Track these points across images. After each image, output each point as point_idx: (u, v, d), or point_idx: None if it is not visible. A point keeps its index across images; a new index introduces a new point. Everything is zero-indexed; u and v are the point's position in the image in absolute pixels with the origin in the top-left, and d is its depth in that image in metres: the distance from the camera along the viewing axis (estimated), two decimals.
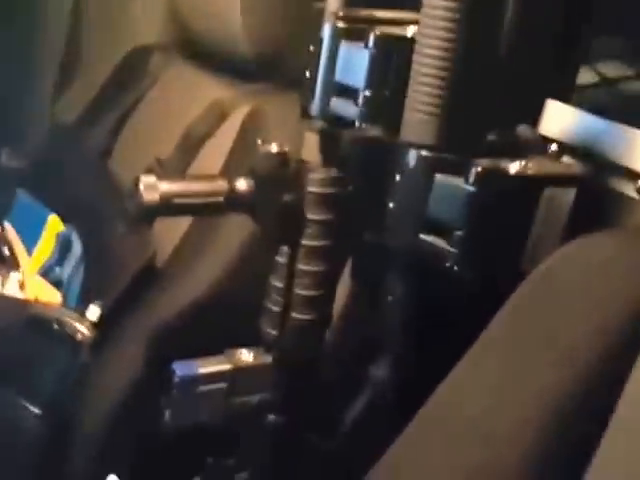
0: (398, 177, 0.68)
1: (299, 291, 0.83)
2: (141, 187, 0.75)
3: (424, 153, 0.65)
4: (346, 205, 0.81)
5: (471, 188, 0.62)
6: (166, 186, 0.75)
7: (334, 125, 0.79)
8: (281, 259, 0.83)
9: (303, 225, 0.81)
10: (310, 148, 0.81)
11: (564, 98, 0.79)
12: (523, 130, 0.79)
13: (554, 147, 0.74)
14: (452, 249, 0.63)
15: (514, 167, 0.64)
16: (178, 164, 1.14)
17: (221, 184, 0.77)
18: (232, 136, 1.08)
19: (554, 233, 0.65)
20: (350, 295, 0.83)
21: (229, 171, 1.04)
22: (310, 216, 0.81)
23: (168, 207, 0.76)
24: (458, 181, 0.63)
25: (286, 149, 0.79)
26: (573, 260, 0.55)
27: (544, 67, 0.81)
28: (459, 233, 0.63)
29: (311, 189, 0.80)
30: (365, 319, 0.76)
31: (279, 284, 0.83)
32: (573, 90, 0.80)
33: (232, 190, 0.77)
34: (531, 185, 0.63)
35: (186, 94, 1.22)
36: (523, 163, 0.64)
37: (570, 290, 0.52)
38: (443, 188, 0.64)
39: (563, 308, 0.50)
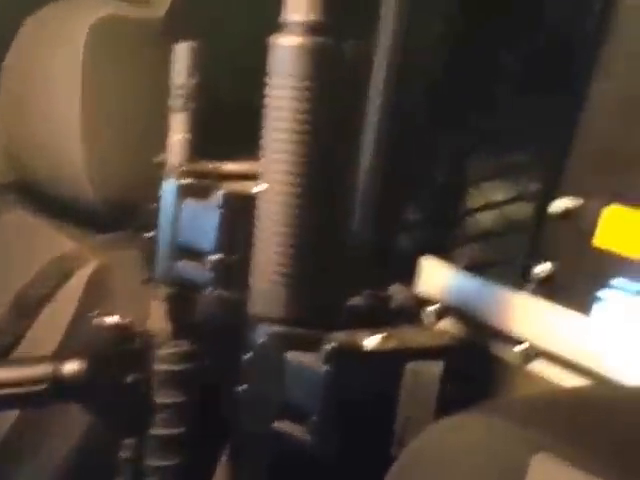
0: (248, 355, 0.74)
1: None
2: None
3: (273, 328, 0.72)
4: (203, 384, 0.87)
5: (324, 367, 0.69)
6: None
7: (182, 291, 0.87)
8: (126, 454, 0.87)
9: (152, 411, 0.86)
10: (156, 319, 0.87)
11: (441, 251, 0.89)
12: (396, 290, 0.88)
13: (430, 309, 0.83)
14: (309, 437, 0.69)
15: (370, 342, 0.71)
16: (9, 332, 1.18)
17: (43, 369, 0.81)
18: (75, 300, 1.14)
19: (424, 409, 0.72)
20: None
21: (70, 344, 1.09)
22: (160, 399, 0.86)
23: None
24: (313, 359, 0.70)
25: (128, 320, 0.85)
26: (437, 445, 0.60)
27: (412, 222, 0.92)
28: (314, 418, 0.69)
29: (159, 367, 0.86)
30: None
31: None
32: (450, 242, 0.91)
33: (57, 375, 0.81)
34: (391, 360, 0.71)
35: (25, 245, 1.28)
36: (383, 336, 0.72)
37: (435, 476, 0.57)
38: (296, 367, 0.71)
39: None
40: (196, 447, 0.88)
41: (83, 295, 1.14)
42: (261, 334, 0.72)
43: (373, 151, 0.84)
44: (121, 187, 1.19)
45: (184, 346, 0.86)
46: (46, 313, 1.19)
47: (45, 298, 1.18)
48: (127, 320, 0.84)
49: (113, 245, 1.19)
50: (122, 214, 1.20)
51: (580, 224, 0.79)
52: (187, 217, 0.82)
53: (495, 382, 0.78)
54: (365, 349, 0.70)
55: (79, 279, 1.17)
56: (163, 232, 0.84)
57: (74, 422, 0.98)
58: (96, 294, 1.13)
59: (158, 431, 0.86)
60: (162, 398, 0.86)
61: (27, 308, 1.21)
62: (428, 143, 0.93)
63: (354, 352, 0.70)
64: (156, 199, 0.86)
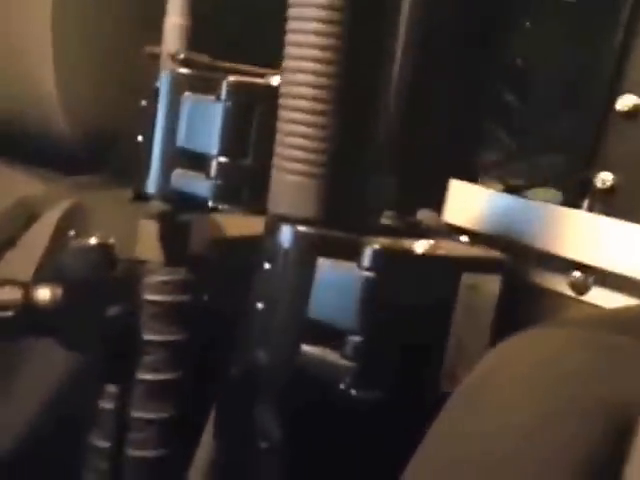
0: (268, 266, 0.61)
1: (135, 452, 0.72)
2: None
3: (302, 230, 0.59)
4: (200, 319, 0.73)
5: (368, 274, 0.56)
6: None
7: (178, 207, 0.73)
8: (107, 404, 0.72)
9: (138, 351, 0.72)
10: (146, 242, 0.73)
11: (469, 177, 0.77)
12: (424, 215, 0.76)
13: (464, 239, 0.70)
14: (346, 362, 0.56)
15: (421, 246, 0.58)
16: None
17: (10, 293, 0.67)
18: (42, 243, 0.99)
19: (479, 331, 0.59)
20: (213, 449, 0.73)
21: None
22: (148, 336, 0.72)
23: None
24: (349, 267, 0.57)
25: (111, 241, 0.71)
26: (517, 360, 0.50)
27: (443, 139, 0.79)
28: (355, 339, 0.56)
29: (149, 297, 0.72)
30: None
31: (104, 443, 0.72)
32: (478, 168, 0.79)
33: (27, 301, 0.67)
34: (446, 269, 0.58)
35: None
36: (431, 243, 0.59)
37: (515, 398, 0.47)
38: (330, 278, 0.57)
39: (507, 421, 0.45)
40: (190, 396, 0.73)
41: (53, 236, 0.99)
42: (285, 239, 0.59)
43: (402, 70, 0.72)
44: (98, 118, 1.05)
45: (179, 274, 0.72)
46: (9, 257, 1.03)
47: (7, 243, 1.03)
48: (110, 241, 0.70)
49: (88, 187, 1.04)
50: (99, 152, 1.06)
51: None
52: (186, 115, 0.69)
53: (545, 316, 0.66)
54: (416, 253, 0.57)
55: (47, 220, 1.02)
56: (156, 135, 0.70)
57: (46, 363, 0.82)
58: (67, 236, 0.98)
59: (145, 376, 0.72)
60: (151, 335, 0.72)
61: None
62: (460, 62, 0.80)
63: (403, 256, 0.57)
64: (141, 130, 0.72)
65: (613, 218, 0.66)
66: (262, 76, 0.69)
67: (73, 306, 0.68)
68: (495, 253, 0.64)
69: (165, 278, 0.72)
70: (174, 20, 0.70)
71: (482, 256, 0.61)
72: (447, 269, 0.58)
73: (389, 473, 0.52)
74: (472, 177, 0.78)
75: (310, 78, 0.58)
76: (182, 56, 0.69)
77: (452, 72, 0.80)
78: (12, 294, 0.66)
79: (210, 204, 0.68)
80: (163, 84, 0.70)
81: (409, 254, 0.57)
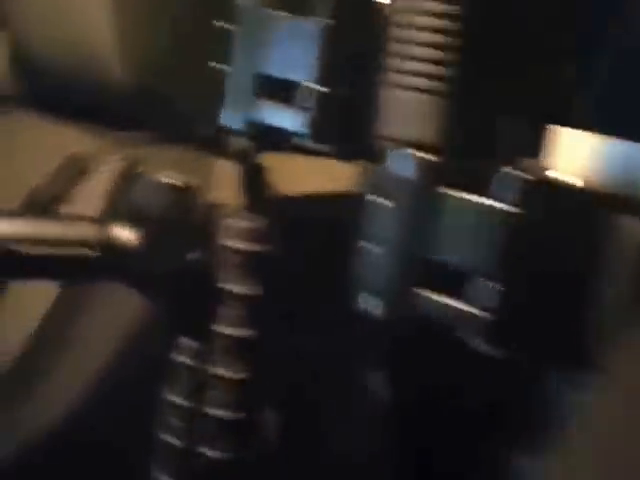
0: (378, 199, 0.53)
1: (213, 412, 0.65)
2: None
3: (425, 157, 0.51)
4: (287, 268, 0.66)
5: (509, 208, 0.48)
6: None
7: (262, 145, 0.66)
8: (183, 358, 0.65)
9: (217, 303, 0.65)
10: (224, 184, 0.66)
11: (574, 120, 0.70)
12: (528, 166, 0.69)
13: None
14: (480, 313, 0.48)
15: (571, 178, 0.51)
16: None
17: (89, 229, 0.60)
18: (96, 197, 0.93)
19: (628, 281, 0.52)
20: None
21: None
22: (228, 287, 0.65)
23: None
24: (481, 201, 0.50)
25: (189, 182, 0.64)
26: None
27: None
28: (491, 285, 0.48)
29: (230, 244, 0.65)
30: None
31: (180, 400, 0.65)
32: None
33: (105, 239, 0.60)
34: (598, 206, 0.50)
35: (36, 150, 1.07)
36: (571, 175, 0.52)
37: None
38: (458, 213, 0.50)
39: None
40: (268, 353, 0.67)
41: (109, 194, 0.92)
42: (405, 168, 0.51)
43: None
44: (156, 70, 0.98)
45: (260, 221, 0.65)
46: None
47: (62, 195, 0.97)
48: (188, 181, 0.63)
49: (147, 143, 0.98)
50: (155, 107, 0.99)
51: None
52: (273, 36, 0.61)
53: None
54: (562, 183, 0.49)
55: (100, 178, 0.95)
56: (235, 60, 0.63)
57: (119, 309, 0.76)
58: (124, 191, 0.91)
59: (225, 329, 0.65)
60: (231, 285, 0.65)
61: (36, 209, 1.00)
62: None
63: (548, 187, 0.49)
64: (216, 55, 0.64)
65: None
66: None
67: (150, 248, 0.61)
68: None
69: (246, 224, 0.65)
70: None
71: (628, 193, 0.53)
72: (600, 207, 0.50)
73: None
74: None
75: None
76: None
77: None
78: (91, 230, 0.59)
79: (298, 141, 0.61)
80: (246, 2, 0.62)
81: (555, 185, 0.49)
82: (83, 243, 0.58)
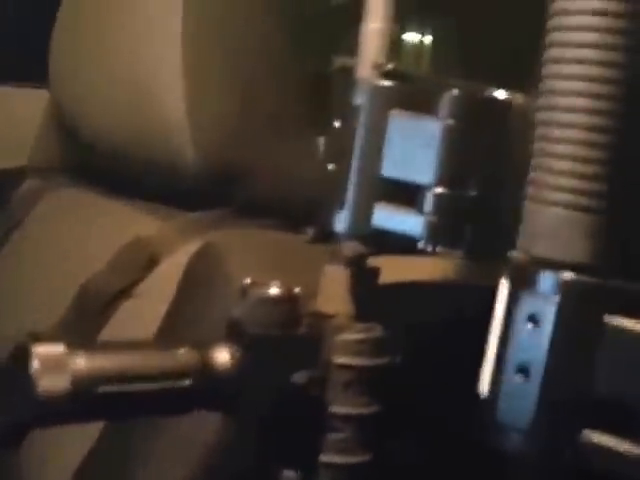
0: (528, 325, 0.49)
1: None
2: (35, 363, 0.53)
3: (577, 278, 0.48)
4: (403, 386, 0.62)
5: None
6: (84, 362, 0.54)
7: (378, 250, 0.62)
8: None
9: (324, 427, 0.61)
10: (334, 291, 0.63)
11: None
12: None
13: None
14: None
15: None
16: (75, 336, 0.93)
17: (187, 355, 0.56)
18: (168, 292, 0.89)
19: None
20: None
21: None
22: (337, 409, 0.61)
23: (89, 402, 0.54)
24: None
25: (298, 290, 0.60)
26: None
27: None
28: None
29: (340, 360, 0.61)
30: None
31: None
32: None
33: (206, 365, 0.56)
34: None
35: (86, 230, 1.03)
36: None
37: None
38: (627, 339, 0.46)
39: None
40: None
41: (182, 284, 0.89)
42: (549, 288, 0.48)
43: None
44: (228, 150, 0.95)
45: (376, 332, 0.61)
46: (128, 311, 0.93)
47: (122, 292, 0.93)
48: (297, 290, 0.59)
49: (218, 224, 0.94)
50: (226, 186, 0.96)
51: None
52: (394, 137, 0.58)
53: None
54: None
55: (172, 265, 0.92)
56: (354, 162, 0.60)
57: (212, 438, 0.71)
58: (203, 283, 0.88)
59: (333, 458, 0.61)
60: (341, 407, 0.61)
61: (95, 305, 0.96)
62: None
63: None
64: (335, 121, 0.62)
65: None
66: (480, 91, 0.60)
67: (257, 369, 0.58)
68: None
69: (360, 336, 0.61)
70: (374, 24, 0.60)
71: None
72: None
73: None
74: None
75: (588, 86, 0.48)
76: (389, 66, 0.58)
77: None
78: (190, 358, 0.56)
79: (421, 245, 0.58)
80: (363, 102, 0.59)
81: None
82: (182, 374, 0.54)
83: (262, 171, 0.94)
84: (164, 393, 0.55)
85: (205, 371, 0.55)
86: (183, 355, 0.55)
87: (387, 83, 0.59)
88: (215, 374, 0.56)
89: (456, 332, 0.63)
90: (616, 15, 0.48)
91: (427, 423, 0.67)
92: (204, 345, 0.57)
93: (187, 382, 0.55)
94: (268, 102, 0.94)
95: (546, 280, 0.49)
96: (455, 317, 0.65)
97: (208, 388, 0.56)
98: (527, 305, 0.50)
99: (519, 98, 0.57)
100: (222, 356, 0.57)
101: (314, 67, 0.83)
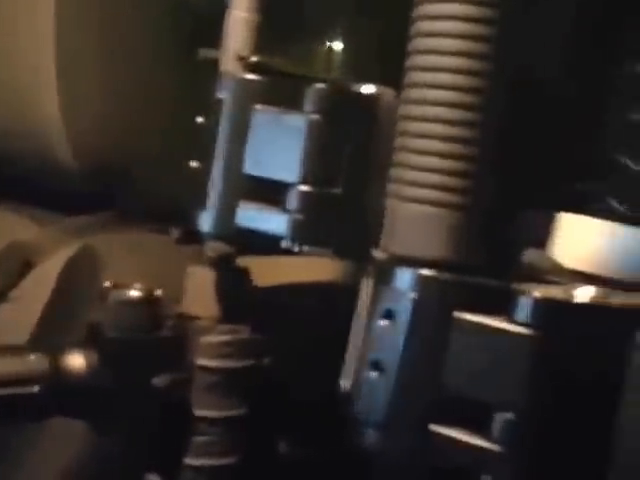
0: (382, 322, 0.50)
1: None
2: None
3: (432, 274, 0.49)
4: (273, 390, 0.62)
5: (523, 330, 0.46)
6: None
7: (243, 250, 0.62)
8: None
9: (190, 431, 0.61)
10: (199, 292, 0.62)
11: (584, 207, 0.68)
12: (534, 257, 0.67)
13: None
14: (491, 446, 0.46)
15: (584, 295, 0.49)
16: None
17: (36, 362, 0.55)
18: (43, 296, 0.87)
19: None
20: None
21: None
22: (201, 412, 0.61)
23: None
24: (500, 320, 0.47)
25: (159, 293, 0.60)
26: None
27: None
28: (508, 417, 0.46)
29: (204, 363, 0.61)
30: None
31: None
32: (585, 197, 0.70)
33: (56, 371, 0.55)
34: (623, 323, 0.48)
35: None
36: (597, 289, 0.50)
37: None
38: (475, 334, 0.47)
39: None
40: None
41: (56, 290, 0.87)
42: (408, 285, 0.49)
43: None
44: (107, 150, 0.94)
45: (242, 333, 0.62)
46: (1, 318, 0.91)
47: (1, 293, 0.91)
48: (157, 292, 0.59)
49: (97, 228, 0.93)
50: (106, 188, 0.95)
51: None
52: (258, 132, 0.59)
53: None
54: (585, 304, 0.47)
55: (46, 270, 0.90)
56: (218, 159, 0.60)
57: (73, 445, 0.70)
58: (76, 287, 0.86)
59: (197, 461, 0.61)
60: (206, 411, 0.61)
61: None
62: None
63: (571, 308, 0.47)
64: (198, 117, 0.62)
65: None
66: (346, 85, 0.60)
67: (114, 374, 0.57)
68: None
69: (225, 338, 0.61)
70: (239, 14, 0.60)
71: None
72: (626, 323, 0.48)
73: None
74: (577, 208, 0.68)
75: (455, 78, 0.49)
76: (253, 59, 0.59)
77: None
78: (39, 363, 0.55)
79: (286, 244, 0.58)
80: (228, 94, 0.60)
81: (580, 307, 0.47)
82: (30, 379, 0.53)
83: (142, 172, 0.93)
84: (12, 399, 0.53)
85: (55, 377, 0.55)
86: (32, 361, 0.54)
87: (251, 76, 0.59)
88: (67, 379, 0.55)
89: (325, 331, 0.63)
90: (477, 3, 0.49)
91: (299, 423, 0.67)
92: (58, 350, 0.56)
93: (36, 388, 0.54)
94: (147, 102, 0.93)
95: (402, 276, 0.50)
96: (325, 316, 0.66)
97: (59, 394, 0.55)
98: (384, 301, 0.51)
99: (388, 93, 0.58)
100: (76, 361, 0.56)
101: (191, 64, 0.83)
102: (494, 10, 0.50)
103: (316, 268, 0.68)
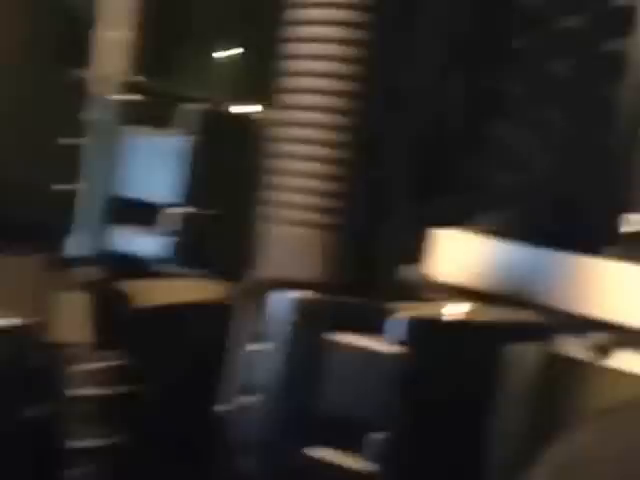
0: (256, 346, 0.50)
1: None
2: None
3: (305, 296, 0.49)
4: (144, 418, 0.61)
5: (394, 350, 0.47)
6: None
7: (118, 274, 0.61)
8: None
9: (65, 461, 0.59)
10: (67, 321, 0.61)
11: (458, 222, 0.70)
12: (408, 271, 0.68)
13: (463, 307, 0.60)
14: (365, 466, 0.46)
15: (454, 313, 0.50)
16: None
17: None
18: None
19: (523, 407, 0.51)
20: None
21: None
22: (77, 443, 0.59)
23: None
24: (374, 340, 0.48)
25: (30, 322, 0.58)
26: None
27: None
28: (381, 436, 0.47)
29: (78, 392, 0.59)
30: None
31: None
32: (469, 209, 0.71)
33: None
34: (489, 339, 0.49)
35: None
36: (469, 307, 0.51)
37: None
38: (349, 354, 0.48)
39: None
40: None
41: None
42: (284, 309, 0.49)
43: None
44: None
45: (116, 360, 0.61)
46: None
47: None
48: (29, 321, 0.58)
49: None
50: None
51: None
52: (130, 154, 0.58)
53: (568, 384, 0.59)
54: (454, 321, 0.48)
55: None
56: (87, 182, 0.59)
57: None
58: None
59: None
60: (81, 440, 0.60)
61: None
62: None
63: (441, 326, 0.48)
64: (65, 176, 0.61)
65: None
66: (221, 105, 0.61)
67: None
68: (535, 317, 0.56)
69: (97, 367, 0.60)
70: (110, 34, 0.59)
71: (527, 322, 0.53)
72: (491, 339, 0.49)
73: None
74: (453, 224, 0.70)
75: (325, 99, 0.49)
76: (127, 79, 0.58)
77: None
78: None
79: (161, 267, 0.58)
80: (100, 117, 0.59)
81: (450, 325, 0.48)
82: None
83: (4, 195, 0.90)
84: None
85: None
86: None
87: (123, 97, 0.59)
88: None
89: (202, 353, 0.63)
90: (347, 25, 0.49)
91: (177, 446, 0.66)
92: None
93: None
94: (9, 123, 0.91)
95: (276, 299, 0.50)
96: (201, 338, 0.65)
97: None
98: (258, 324, 0.51)
99: (261, 113, 0.58)
100: None
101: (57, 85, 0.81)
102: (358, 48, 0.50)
103: (195, 289, 0.68)
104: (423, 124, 0.55)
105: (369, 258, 0.51)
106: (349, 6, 0.49)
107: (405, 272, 0.65)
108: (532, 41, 0.64)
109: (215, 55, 0.70)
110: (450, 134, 0.71)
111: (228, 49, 0.70)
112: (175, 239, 0.57)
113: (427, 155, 0.59)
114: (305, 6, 0.50)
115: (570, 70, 0.63)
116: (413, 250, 0.68)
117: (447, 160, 0.71)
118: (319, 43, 0.50)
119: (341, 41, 0.49)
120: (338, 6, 0.49)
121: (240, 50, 0.69)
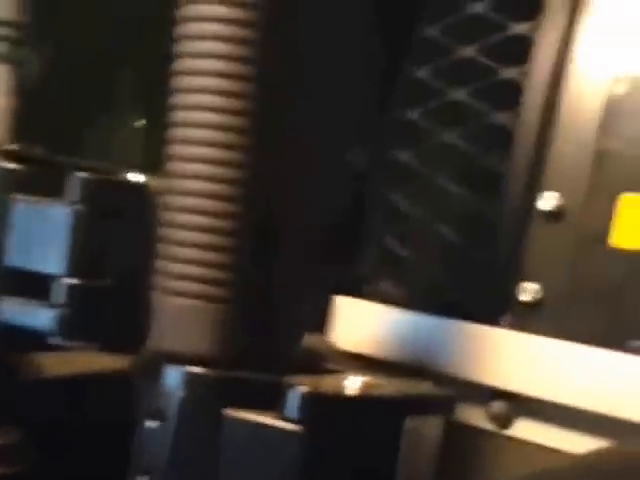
0: (149, 424, 0.49)
1: None
2: None
3: (199, 372, 0.48)
4: None
5: (291, 427, 0.46)
6: None
7: (6, 348, 0.60)
8: None
9: None
10: None
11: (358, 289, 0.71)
12: (312, 341, 0.68)
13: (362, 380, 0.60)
14: None
15: (353, 387, 0.50)
16: None
17: None
18: None
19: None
20: None
21: None
22: None
23: None
24: (271, 416, 0.47)
25: None
26: None
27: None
28: None
29: None
30: None
31: None
32: (370, 276, 0.72)
33: None
34: (389, 412, 0.50)
35: None
36: (365, 380, 0.51)
37: None
38: (246, 431, 0.47)
39: None
40: None
41: None
42: (175, 384, 0.48)
43: None
44: None
45: (10, 437, 0.59)
46: None
47: None
48: None
49: None
50: None
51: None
52: (19, 223, 0.57)
53: (470, 454, 0.60)
54: (353, 396, 0.48)
55: None
56: None
57: None
58: None
59: None
60: None
61: None
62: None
63: (340, 401, 0.48)
64: None
65: (539, 335, 0.61)
66: (113, 174, 0.60)
67: None
68: (436, 389, 0.56)
69: None
70: None
71: (428, 395, 0.54)
72: (392, 412, 0.49)
73: None
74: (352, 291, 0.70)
75: (211, 168, 0.49)
76: (9, 147, 0.57)
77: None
78: None
79: (52, 340, 0.56)
80: None
81: (346, 399, 0.48)
82: None
83: None
84: None
85: None
86: None
87: (10, 165, 0.58)
88: None
89: (100, 431, 0.61)
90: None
91: None
92: None
93: None
94: None
95: (170, 374, 0.49)
96: (100, 414, 0.64)
97: None
98: (153, 401, 0.50)
99: (155, 181, 0.58)
100: None
101: None
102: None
103: (87, 362, 0.66)
104: (322, 193, 0.56)
105: (265, 329, 0.51)
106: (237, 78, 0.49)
107: (307, 341, 0.66)
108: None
109: (115, 123, 0.69)
110: (351, 201, 0.72)
111: (129, 118, 0.70)
112: (66, 311, 0.56)
113: (329, 221, 0.60)
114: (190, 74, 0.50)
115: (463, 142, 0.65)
116: (315, 319, 0.69)
117: (348, 227, 0.72)
118: (204, 112, 0.50)
119: (225, 110, 0.49)
120: (227, 76, 0.49)
121: (141, 119, 0.69)
